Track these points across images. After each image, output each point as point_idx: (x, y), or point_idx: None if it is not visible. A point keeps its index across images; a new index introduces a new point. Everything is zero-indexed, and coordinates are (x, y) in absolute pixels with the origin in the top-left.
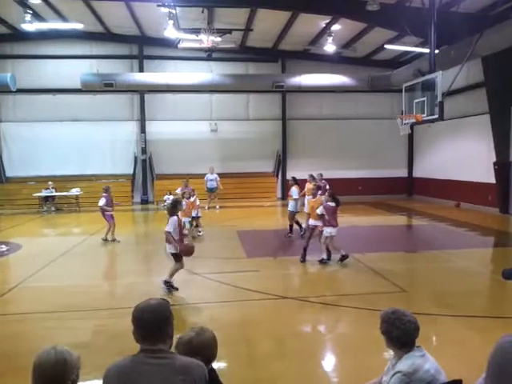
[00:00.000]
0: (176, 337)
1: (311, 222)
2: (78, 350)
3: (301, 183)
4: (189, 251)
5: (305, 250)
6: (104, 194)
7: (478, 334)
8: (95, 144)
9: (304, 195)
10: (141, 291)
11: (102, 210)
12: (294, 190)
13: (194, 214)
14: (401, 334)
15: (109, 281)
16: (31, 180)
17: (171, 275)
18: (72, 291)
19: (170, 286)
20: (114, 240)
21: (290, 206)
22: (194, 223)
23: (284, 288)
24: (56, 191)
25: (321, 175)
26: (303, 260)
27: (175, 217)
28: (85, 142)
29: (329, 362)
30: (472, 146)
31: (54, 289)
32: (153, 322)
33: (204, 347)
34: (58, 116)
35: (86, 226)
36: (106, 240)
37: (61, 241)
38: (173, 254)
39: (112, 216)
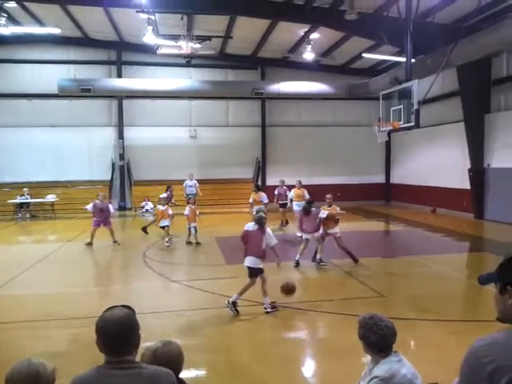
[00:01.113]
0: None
1: (330, 230)
2: (53, 359)
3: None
4: (290, 290)
5: (349, 253)
6: (88, 206)
7: (455, 337)
8: (72, 150)
9: (291, 201)
10: (117, 298)
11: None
12: (264, 196)
13: (166, 223)
14: (378, 339)
15: (85, 288)
16: (6, 186)
17: (267, 294)
18: (48, 299)
19: (235, 307)
20: (89, 243)
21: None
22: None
23: None
24: (31, 198)
25: (283, 182)
26: (357, 260)
27: (268, 228)
28: (61, 147)
29: (308, 368)
30: (447, 152)
31: (29, 297)
32: (118, 335)
33: (168, 359)
34: (34, 121)
35: (62, 232)
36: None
37: (36, 248)
38: (255, 270)
39: (97, 221)
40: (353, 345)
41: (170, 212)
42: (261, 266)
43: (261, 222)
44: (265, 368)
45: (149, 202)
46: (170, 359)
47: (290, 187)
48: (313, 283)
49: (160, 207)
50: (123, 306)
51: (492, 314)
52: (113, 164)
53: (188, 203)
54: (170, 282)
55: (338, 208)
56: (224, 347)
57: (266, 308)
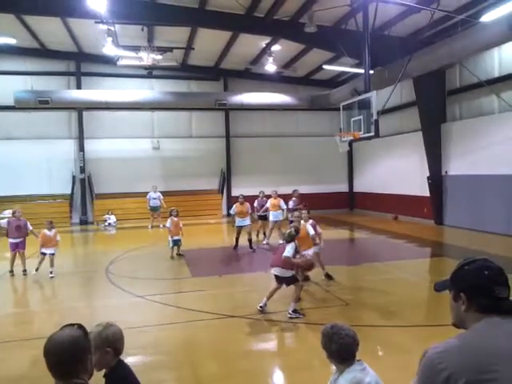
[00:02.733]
0: None
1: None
2: (11, 383)
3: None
4: (310, 266)
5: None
6: (3, 221)
7: (419, 343)
8: (30, 163)
9: (267, 210)
10: (80, 316)
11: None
12: (249, 206)
13: (52, 251)
14: (339, 348)
15: (44, 307)
16: None
17: (296, 301)
18: (4, 320)
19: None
20: (11, 271)
21: (248, 221)
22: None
23: (230, 307)
24: None
25: (263, 193)
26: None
27: (293, 243)
28: (19, 161)
29: (275, 380)
30: (407, 161)
31: None
32: (63, 358)
33: (114, 339)
34: None
35: None
36: (11, 272)
37: None
38: (288, 278)
39: (13, 244)
40: (319, 355)
41: (58, 238)
42: (289, 275)
43: (288, 238)
44: (232, 382)
45: (112, 216)
46: (118, 338)
47: (258, 197)
48: (279, 294)
49: (46, 231)
50: (76, 325)
51: None
52: (73, 177)
53: (171, 215)
54: (133, 297)
55: (309, 224)
56: (190, 362)
57: (289, 313)
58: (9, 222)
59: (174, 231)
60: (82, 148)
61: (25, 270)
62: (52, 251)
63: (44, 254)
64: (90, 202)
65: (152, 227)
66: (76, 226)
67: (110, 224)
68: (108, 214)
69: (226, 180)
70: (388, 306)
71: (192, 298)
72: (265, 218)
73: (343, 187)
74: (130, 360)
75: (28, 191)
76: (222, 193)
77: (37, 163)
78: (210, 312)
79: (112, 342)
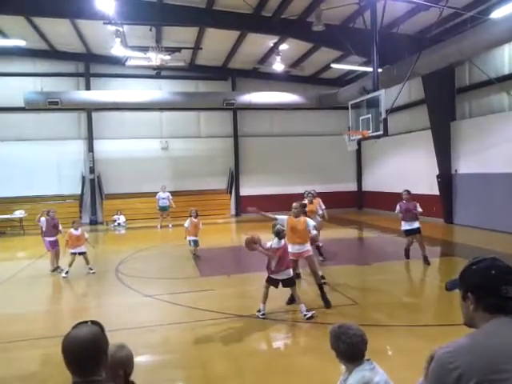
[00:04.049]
0: None
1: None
2: (21, 382)
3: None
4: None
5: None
6: (42, 218)
7: (429, 343)
8: (40, 164)
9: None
10: (89, 316)
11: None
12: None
13: (83, 250)
14: (347, 347)
15: (55, 306)
16: None
17: (301, 301)
18: (15, 319)
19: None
20: (56, 269)
21: None
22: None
23: (239, 306)
24: None
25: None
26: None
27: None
28: (29, 161)
29: (285, 380)
30: (416, 159)
31: None
32: (80, 355)
33: (127, 361)
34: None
35: (31, 249)
36: (53, 271)
37: (3, 266)
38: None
39: (52, 243)
40: (327, 354)
41: (86, 236)
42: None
43: (281, 235)
44: (242, 381)
45: (121, 216)
46: (130, 359)
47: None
48: (288, 293)
49: (73, 231)
50: (92, 322)
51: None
52: (83, 177)
53: (190, 216)
54: (143, 296)
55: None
56: (199, 362)
57: (305, 314)
58: (47, 220)
59: (192, 232)
60: (91, 148)
61: (58, 267)
62: (82, 250)
63: (74, 253)
64: (100, 203)
65: (161, 227)
66: (86, 226)
67: (119, 224)
68: (117, 214)
69: (235, 179)
70: (397, 305)
71: (201, 298)
72: None
73: (352, 186)
74: (139, 359)
75: (38, 192)
76: (231, 192)
77: (47, 164)
78: (220, 311)
79: (125, 364)
